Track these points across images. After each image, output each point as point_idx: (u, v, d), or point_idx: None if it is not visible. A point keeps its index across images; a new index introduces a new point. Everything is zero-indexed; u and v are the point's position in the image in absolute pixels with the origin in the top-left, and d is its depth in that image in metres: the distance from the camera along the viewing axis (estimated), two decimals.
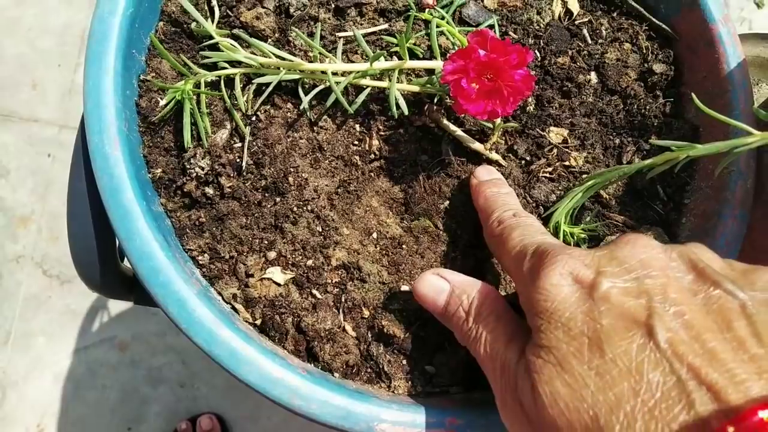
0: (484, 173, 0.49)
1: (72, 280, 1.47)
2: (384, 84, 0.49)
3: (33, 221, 1.48)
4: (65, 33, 1.58)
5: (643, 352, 0.28)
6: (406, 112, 0.48)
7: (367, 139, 0.51)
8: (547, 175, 0.52)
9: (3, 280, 1.45)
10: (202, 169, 0.44)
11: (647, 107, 0.55)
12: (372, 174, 0.51)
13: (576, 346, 0.30)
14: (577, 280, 0.33)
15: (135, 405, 1.45)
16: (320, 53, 0.48)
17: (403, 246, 0.49)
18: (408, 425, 0.40)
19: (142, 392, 1.46)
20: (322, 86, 0.48)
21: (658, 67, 0.55)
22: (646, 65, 0.56)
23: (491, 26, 0.53)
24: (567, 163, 0.53)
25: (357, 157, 0.51)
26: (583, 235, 0.50)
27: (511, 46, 0.44)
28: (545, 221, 0.51)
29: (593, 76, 0.55)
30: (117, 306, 1.49)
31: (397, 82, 0.49)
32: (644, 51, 0.56)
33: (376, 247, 0.49)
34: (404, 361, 0.46)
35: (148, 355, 1.48)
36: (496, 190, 0.47)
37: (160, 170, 0.45)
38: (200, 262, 0.45)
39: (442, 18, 0.51)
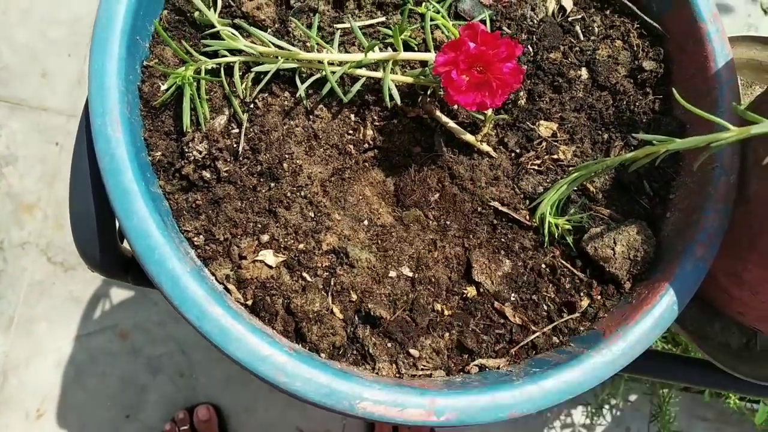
0: None
1: (76, 268, 1.49)
2: (378, 74, 0.50)
3: (39, 209, 1.50)
4: (76, 24, 1.60)
5: None
6: (399, 102, 0.49)
7: (362, 128, 0.53)
8: (536, 167, 0.54)
9: (8, 266, 1.47)
10: (200, 152, 0.46)
11: (636, 104, 0.56)
12: (366, 164, 0.53)
13: None
14: None
15: (134, 393, 1.47)
16: (318, 43, 0.50)
17: (393, 234, 0.51)
18: (389, 404, 0.42)
19: (142, 381, 1.48)
20: (318, 75, 0.50)
21: (648, 65, 0.56)
22: (636, 62, 0.57)
23: (483, 21, 0.54)
24: (556, 156, 0.54)
25: (351, 146, 0.52)
26: (567, 227, 0.51)
27: (501, 40, 0.46)
28: (531, 212, 0.52)
29: (584, 72, 0.56)
30: (119, 295, 1.51)
31: (392, 74, 0.50)
32: (635, 48, 0.57)
33: (366, 234, 0.50)
34: (389, 344, 0.47)
35: (148, 344, 1.49)
36: None
37: (159, 153, 0.47)
38: (195, 243, 0.47)
39: (438, 12, 0.52)
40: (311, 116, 0.51)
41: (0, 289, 1.46)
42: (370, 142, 0.53)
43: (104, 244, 0.50)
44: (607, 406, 1.61)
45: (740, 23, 1.94)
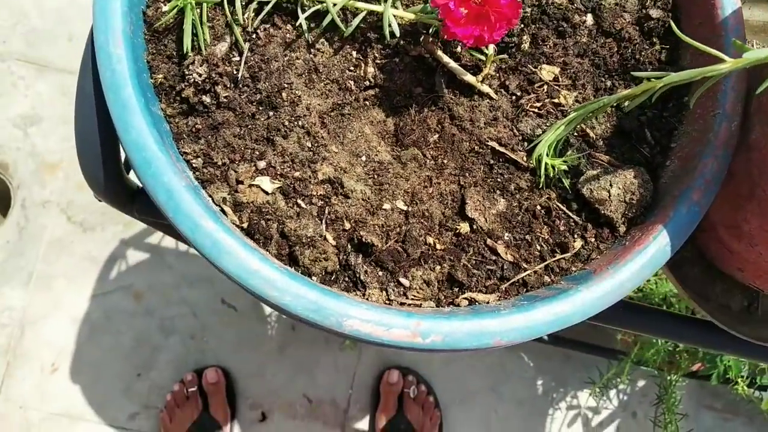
0: None
1: (95, 228, 1.53)
2: (379, 8, 0.51)
3: (61, 169, 1.54)
4: None
5: None
6: (398, 35, 0.50)
7: (363, 65, 0.53)
8: (536, 110, 0.54)
9: (29, 224, 1.51)
10: (200, 75, 0.47)
11: (642, 52, 0.55)
12: (366, 102, 0.53)
13: None
14: None
15: (146, 352, 1.51)
16: None
17: (390, 170, 0.51)
18: (375, 323, 0.42)
19: (154, 341, 1.51)
20: (318, 6, 0.50)
21: (655, 13, 0.56)
22: (643, 10, 0.56)
23: None
24: (557, 100, 0.54)
25: (352, 83, 0.53)
26: (563, 167, 0.51)
27: None
28: (529, 154, 0.52)
29: (589, 18, 0.56)
30: (135, 256, 1.54)
31: (393, 8, 0.50)
32: None
33: (363, 168, 0.51)
34: (380, 273, 0.48)
35: (162, 305, 1.53)
36: None
37: (161, 76, 0.48)
38: (194, 165, 0.48)
39: None
40: (312, 50, 0.52)
41: (20, 245, 1.50)
42: (371, 80, 0.53)
43: (108, 169, 0.51)
44: (614, 390, 1.60)
45: None
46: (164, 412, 1.42)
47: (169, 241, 1.55)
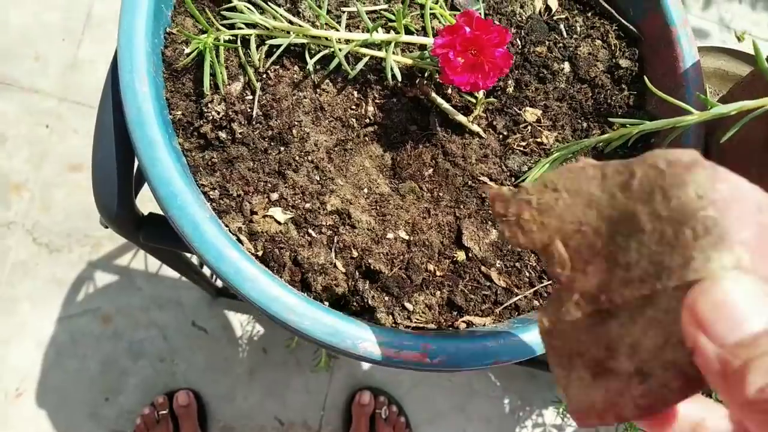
0: None
1: (60, 250, 1.50)
2: (381, 54, 0.55)
3: (27, 189, 1.51)
4: (71, 8, 1.62)
5: None
6: (399, 78, 0.54)
7: (364, 104, 0.58)
8: (521, 148, 0.59)
9: None
10: (218, 113, 0.50)
11: (613, 97, 0.62)
12: (366, 138, 0.57)
13: None
14: None
15: (114, 376, 1.48)
16: (326, 22, 0.54)
17: (390, 201, 0.55)
18: (386, 345, 0.46)
19: (122, 364, 1.49)
20: (326, 51, 0.55)
21: (624, 63, 0.62)
22: (614, 60, 0.63)
23: (477, 10, 0.60)
24: (539, 139, 0.60)
25: (353, 120, 0.57)
26: None
27: (494, 26, 0.51)
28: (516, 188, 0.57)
29: (567, 66, 0.62)
30: (103, 279, 1.52)
31: (393, 54, 0.55)
32: (613, 48, 0.63)
33: (366, 200, 0.55)
34: (386, 298, 0.52)
35: (130, 328, 1.51)
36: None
37: (180, 113, 0.51)
38: (211, 197, 0.51)
39: (436, 2, 0.57)
40: (318, 90, 0.56)
41: None
42: (371, 118, 0.58)
43: (122, 200, 0.53)
44: None
45: None
46: None
47: (138, 263, 1.54)
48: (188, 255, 1.04)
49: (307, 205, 0.52)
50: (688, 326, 0.23)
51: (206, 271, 1.31)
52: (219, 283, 1.47)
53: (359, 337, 0.46)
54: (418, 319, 0.52)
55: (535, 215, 0.31)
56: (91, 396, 1.45)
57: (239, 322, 1.56)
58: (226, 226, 0.50)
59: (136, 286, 1.53)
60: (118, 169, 0.51)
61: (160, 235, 0.60)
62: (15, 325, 1.45)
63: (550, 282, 0.55)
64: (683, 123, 0.46)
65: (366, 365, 1.58)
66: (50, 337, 1.46)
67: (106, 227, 0.59)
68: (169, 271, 1.53)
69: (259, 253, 0.50)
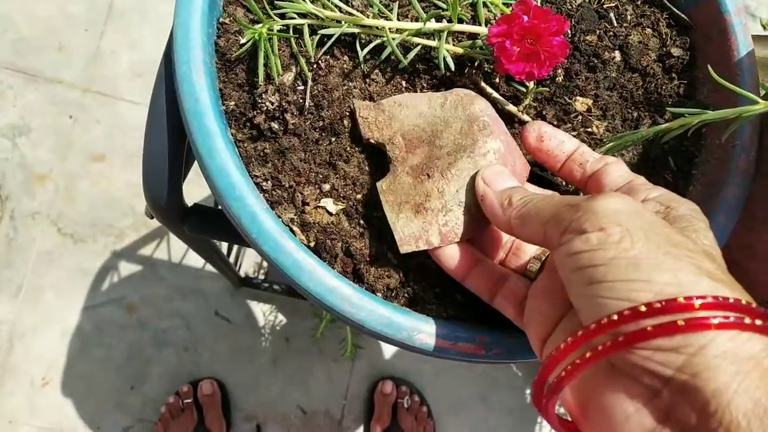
0: None
1: (85, 240, 1.51)
2: (433, 43, 0.54)
3: (51, 180, 1.52)
4: (94, 0, 1.62)
5: None
6: (453, 68, 0.53)
7: None
8: None
9: (18, 235, 1.48)
10: (272, 104, 0.50)
11: (663, 87, 0.61)
12: None
13: None
14: None
15: (139, 365, 1.49)
16: (379, 11, 0.54)
17: None
18: (442, 337, 0.46)
19: (147, 353, 1.50)
20: (377, 41, 0.54)
21: (675, 51, 0.61)
22: (664, 49, 0.62)
23: None
24: (590, 129, 0.59)
25: None
26: None
27: (552, 15, 0.50)
28: None
29: (617, 55, 0.61)
30: (127, 268, 1.53)
31: (445, 44, 0.54)
32: (664, 36, 0.62)
33: None
34: (437, 289, 0.51)
35: (155, 317, 1.52)
36: None
37: (233, 103, 0.51)
38: (264, 188, 0.50)
39: None
40: (368, 80, 0.55)
41: (9, 257, 1.47)
42: None
43: (171, 190, 0.53)
44: None
45: None
46: (159, 424, 1.41)
47: (161, 253, 1.55)
48: (217, 244, 1.04)
49: (359, 196, 0.52)
50: (480, 184, 0.43)
51: (232, 260, 1.31)
52: (242, 273, 1.48)
53: (415, 329, 0.45)
54: (470, 311, 0.51)
55: (386, 118, 0.49)
56: (116, 385, 1.46)
57: (262, 311, 1.56)
58: (279, 217, 0.50)
59: (160, 275, 1.53)
60: (169, 160, 0.51)
61: (205, 226, 0.60)
62: (40, 314, 1.46)
63: None
64: (749, 112, 0.45)
65: (388, 354, 1.58)
66: (75, 327, 1.47)
67: (152, 217, 0.59)
68: (191, 261, 1.54)
69: (312, 244, 0.50)
